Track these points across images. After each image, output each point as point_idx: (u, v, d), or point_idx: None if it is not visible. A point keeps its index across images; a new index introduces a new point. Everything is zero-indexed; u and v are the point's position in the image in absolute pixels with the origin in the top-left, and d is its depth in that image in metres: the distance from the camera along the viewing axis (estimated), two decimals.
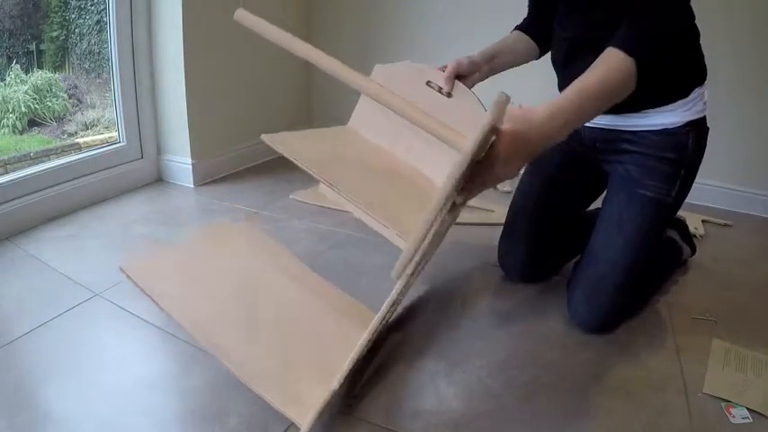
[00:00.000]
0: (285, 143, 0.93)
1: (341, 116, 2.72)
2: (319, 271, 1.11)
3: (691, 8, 0.93)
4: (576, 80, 0.80)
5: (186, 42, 1.69)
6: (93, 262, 1.27)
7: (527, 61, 1.18)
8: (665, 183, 1.02)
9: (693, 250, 1.36)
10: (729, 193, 1.81)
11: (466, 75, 1.08)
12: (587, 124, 1.09)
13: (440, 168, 1.11)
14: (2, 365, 0.90)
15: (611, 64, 0.81)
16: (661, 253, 1.24)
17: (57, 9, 1.68)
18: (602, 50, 0.83)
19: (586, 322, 1.07)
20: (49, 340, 0.98)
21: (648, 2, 0.84)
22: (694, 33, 1.01)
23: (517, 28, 1.19)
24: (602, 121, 1.08)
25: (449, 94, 1.06)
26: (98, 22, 1.70)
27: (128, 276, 0.88)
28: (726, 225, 1.70)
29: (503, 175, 0.74)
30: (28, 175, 1.46)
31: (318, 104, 2.50)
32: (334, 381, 0.79)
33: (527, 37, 1.16)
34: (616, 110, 0.97)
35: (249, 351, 0.84)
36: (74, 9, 1.70)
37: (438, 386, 0.90)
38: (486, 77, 1.13)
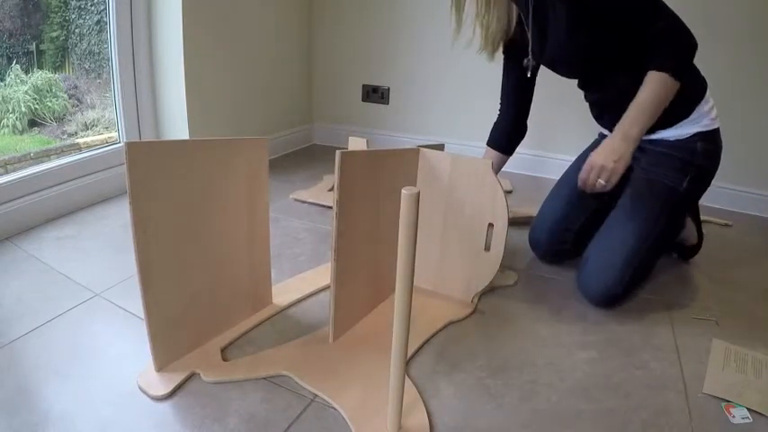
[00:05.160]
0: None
1: (341, 117, 2.72)
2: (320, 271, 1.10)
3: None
4: (639, 99, 1.04)
5: (186, 42, 1.69)
6: (93, 262, 1.27)
7: (501, 167, 1.43)
8: (677, 173, 1.16)
9: (700, 237, 1.40)
10: (729, 193, 1.82)
11: None
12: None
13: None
14: (2, 365, 0.90)
15: (664, 85, 1.02)
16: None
17: (57, 9, 1.68)
18: (622, 108, 1.05)
19: (594, 293, 1.15)
20: (49, 340, 0.98)
21: (665, 34, 1.03)
22: None
23: (488, 143, 1.41)
24: None
25: None
26: (98, 22, 1.70)
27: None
28: (726, 225, 1.70)
29: (608, 162, 1.03)
30: (28, 175, 1.46)
31: (318, 105, 2.50)
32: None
33: (494, 152, 1.40)
34: None
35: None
36: (74, 9, 1.70)
37: (438, 386, 0.90)
38: None
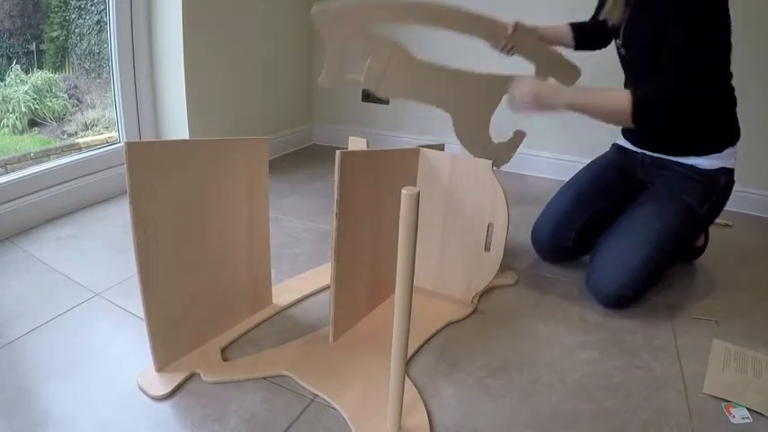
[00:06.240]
0: None
1: (340, 117, 2.72)
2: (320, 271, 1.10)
3: (727, 82, 1.20)
4: (600, 88, 1.13)
5: (186, 42, 1.69)
6: (93, 262, 1.27)
7: (564, 46, 1.53)
8: (699, 197, 1.20)
9: (706, 239, 1.42)
10: None
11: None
12: (639, 150, 1.32)
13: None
14: (2, 365, 0.90)
15: (621, 100, 1.06)
16: None
17: (57, 9, 1.68)
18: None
19: (606, 292, 1.14)
20: (49, 340, 0.98)
21: (673, 74, 1.04)
22: (729, 101, 1.22)
23: (571, 23, 1.51)
24: (651, 152, 1.29)
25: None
26: (98, 22, 1.70)
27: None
28: (726, 225, 1.70)
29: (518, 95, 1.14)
30: (28, 175, 1.46)
31: (318, 105, 2.50)
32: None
33: (569, 30, 1.50)
34: (664, 151, 1.26)
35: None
36: (74, 9, 1.70)
37: (438, 386, 0.90)
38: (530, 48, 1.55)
